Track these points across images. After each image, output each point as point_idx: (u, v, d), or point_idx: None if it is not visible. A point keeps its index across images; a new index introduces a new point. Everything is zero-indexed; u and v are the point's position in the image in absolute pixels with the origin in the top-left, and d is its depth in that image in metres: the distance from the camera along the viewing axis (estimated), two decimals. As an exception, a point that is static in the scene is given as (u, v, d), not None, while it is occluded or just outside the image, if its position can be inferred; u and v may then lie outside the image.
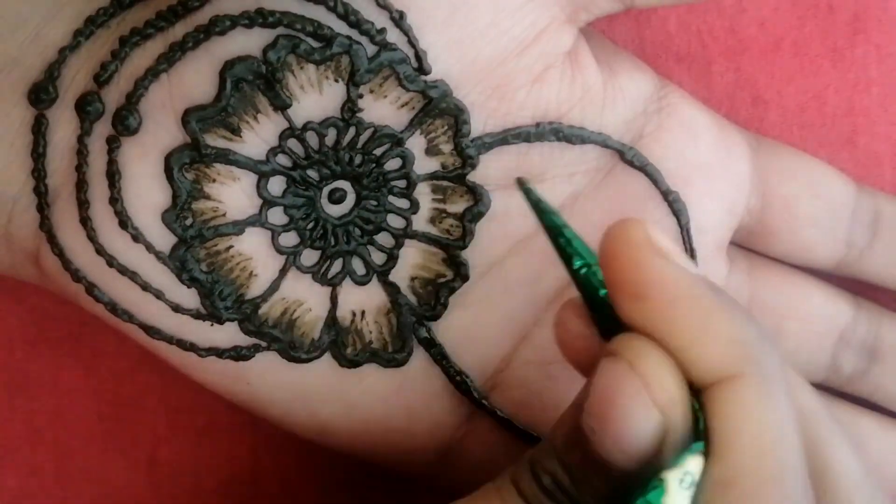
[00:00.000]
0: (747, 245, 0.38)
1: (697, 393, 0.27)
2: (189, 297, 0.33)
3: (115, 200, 0.31)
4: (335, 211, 0.33)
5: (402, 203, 0.33)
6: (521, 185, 0.31)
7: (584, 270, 0.29)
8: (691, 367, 0.27)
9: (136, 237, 0.32)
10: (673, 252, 0.27)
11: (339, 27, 0.31)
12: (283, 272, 0.33)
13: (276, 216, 0.32)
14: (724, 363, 0.26)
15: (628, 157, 0.35)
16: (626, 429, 0.26)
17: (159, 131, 0.31)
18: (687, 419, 0.27)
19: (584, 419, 0.27)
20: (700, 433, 0.27)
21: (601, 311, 0.29)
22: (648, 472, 0.26)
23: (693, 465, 0.26)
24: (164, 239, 0.32)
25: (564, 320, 0.30)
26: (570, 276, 0.30)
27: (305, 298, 0.33)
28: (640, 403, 0.26)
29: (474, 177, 0.33)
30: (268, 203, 0.32)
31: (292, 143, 0.31)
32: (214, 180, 0.32)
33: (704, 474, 0.26)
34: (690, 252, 0.36)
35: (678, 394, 0.26)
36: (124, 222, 0.32)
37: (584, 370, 0.30)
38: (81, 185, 0.32)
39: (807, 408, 0.30)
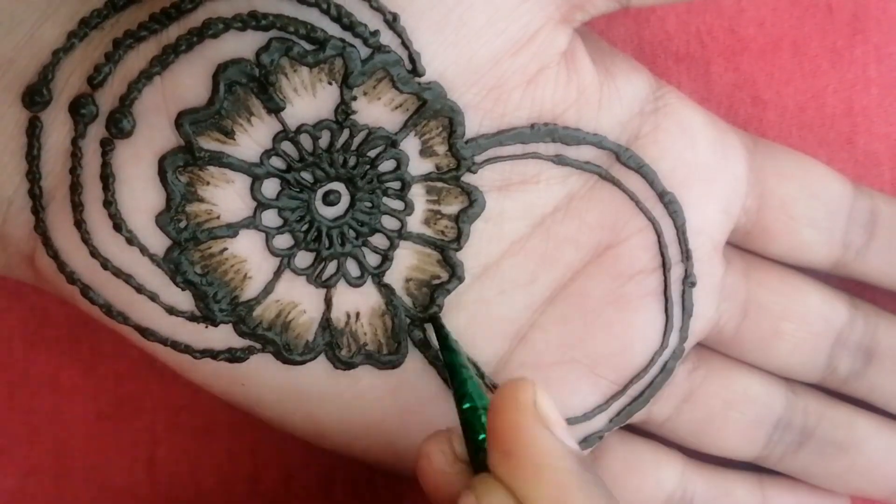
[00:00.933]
0: (744, 245, 0.38)
1: None
2: (183, 300, 0.33)
3: (110, 203, 0.31)
4: (329, 213, 0.33)
5: (397, 204, 0.33)
6: (435, 320, 0.34)
7: (470, 412, 0.31)
8: None
9: (131, 240, 0.32)
10: (555, 423, 0.28)
11: (333, 30, 0.31)
12: (277, 274, 0.33)
13: (271, 218, 0.32)
14: None
15: (624, 159, 0.35)
16: None
17: (153, 134, 0.31)
18: None
19: None
20: None
21: (478, 454, 0.30)
22: None
23: None
24: (158, 241, 0.32)
25: (429, 452, 0.31)
26: (457, 413, 0.31)
27: (300, 300, 0.33)
28: None
29: (468, 178, 0.33)
30: (262, 205, 0.32)
31: (286, 146, 0.31)
32: (208, 183, 0.32)
33: None
34: (686, 253, 0.35)
35: None
36: (118, 225, 0.32)
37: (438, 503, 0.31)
38: (76, 188, 0.32)
39: None
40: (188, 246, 0.32)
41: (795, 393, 0.38)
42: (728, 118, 0.39)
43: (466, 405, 0.31)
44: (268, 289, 0.33)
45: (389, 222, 0.33)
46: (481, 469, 0.29)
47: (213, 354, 0.33)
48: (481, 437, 0.30)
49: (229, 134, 0.31)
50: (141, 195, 0.32)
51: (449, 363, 0.33)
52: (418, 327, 0.34)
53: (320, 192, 0.32)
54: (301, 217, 0.32)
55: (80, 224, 0.32)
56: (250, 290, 0.33)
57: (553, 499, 0.27)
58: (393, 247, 0.33)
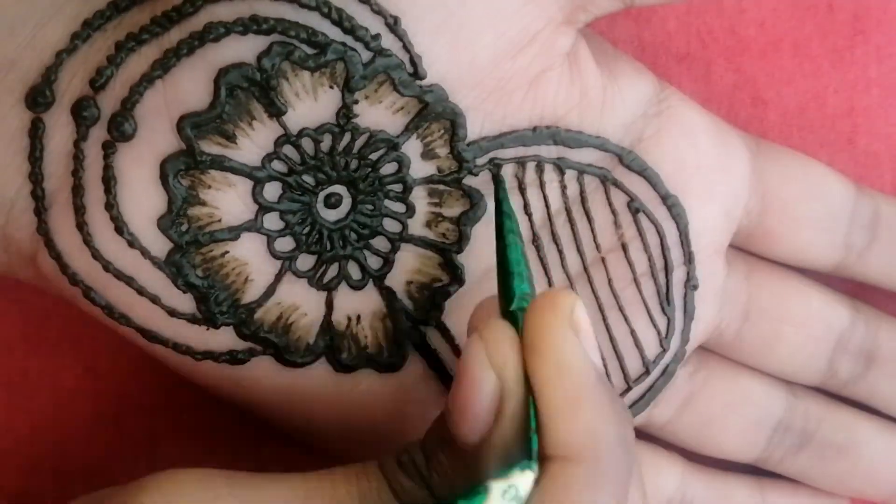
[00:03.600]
0: (746, 247, 0.38)
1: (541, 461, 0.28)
2: (185, 302, 0.33)
3: (111, 206, 0.31)
4: (331, 216, 0.33)
5: (398, 207, 0.33)
6: (497, 178, 0.33)
7: (513, 277, 0.31)
8: (543, 432, 0.28)
9: (132, 243, 0.32)
10: (587, 335, 0.29)
11: (334, 34, 0.31)
12: (278, 277, 0.33)
13: (272, 221, 0.32)
14: (568, 443, 0.27)
15: (627, 161, 0.35)
16: (465, 390, 0.28)
17: (155, 137, 0.31)
18: (520, 398, 0.28)
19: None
20: (533, 454, 0.27)
21: (510, 319, 0.30)
22: (485, 458, 0.28)
23: (519, 480, 0.27)
24: (159, 244, 0.32)
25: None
26: (498, 273, 0.31)
27: (301, 303, 0.33)
28: (479, 365, 0.28)
29: (470, 180, 0.33)
30: (263, 208, 0.32)
31: (288, 149, 0.31)
32: (210, 186, 0.32)
33: None
34: (688, 256, 0.36)
35: (515, 361, 0.28)
36: (120, 228, 0.32)
37: None
38: (77, 190, 0.32)
39: None
40: (190, 249, 0.32)
41: (796, 396, 0.38)
42: (729, 119, 0.39)
43: (517, 289, 0.31)
44: (269, 291, 0.33)
45: (391, 225, 0.33)
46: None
47: (214, 356, 0.33)
48: (513, 306, 0.30)
49: (231, 138, 0.31)
50: (142, 198, 0.32)
51: (499, 224, 0.32)
52: (419, 330, 0.34)
53: (322, 195, 0.32)
54: (302, 220, 0.32)
55: (81, 226, 0.32)
56: (251, 293, 0.33)
57: (565, 404, 0.28)
58: (394, 249, 0.33)
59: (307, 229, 0.33)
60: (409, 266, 0.34)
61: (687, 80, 0.40)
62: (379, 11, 0.31)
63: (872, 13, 0.40)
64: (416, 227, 0.33)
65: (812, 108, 0.40)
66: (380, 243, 0.33)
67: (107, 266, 0.32)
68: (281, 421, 0.35)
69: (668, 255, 0.35)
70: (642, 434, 0.38)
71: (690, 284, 0.36)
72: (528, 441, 0.28)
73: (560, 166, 0.34)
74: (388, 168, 0.32)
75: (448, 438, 0.29)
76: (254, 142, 0.31)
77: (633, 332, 0.35)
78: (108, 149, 0.31)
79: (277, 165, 0.32)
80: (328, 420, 0.35)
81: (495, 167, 0.33)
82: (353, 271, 0.33)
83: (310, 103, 0.31)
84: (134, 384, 0.40)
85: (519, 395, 0.28)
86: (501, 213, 0.32)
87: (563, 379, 0.28)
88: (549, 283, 0.35)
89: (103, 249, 0.32)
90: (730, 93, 0.40)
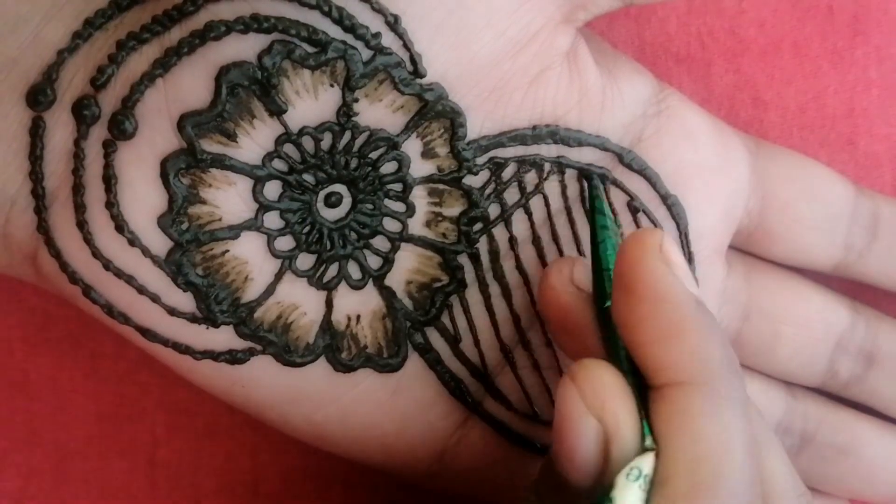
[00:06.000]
0: (746, 248, 0.38)
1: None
2: (185, 301, 0.33)
3: (112, 205, 0.31)
4: (331, 215, 0.33)
5: (398, 206, 0.33)
6: (590, 179, 0.34)
7: (606, 273, 0.31)
8: (651, 364, 0.28)
9: (133, 241, 0.32)
10: (679, 266, 0.29)
11: (334, 32, 0.31)
12: (278, 276, 0.33)
13: (272, 220, 0.32)
14: (678, 368, 0.28)
15: (627, 161, 0.35)
16: (568, 438, 0.28)
17: (155, 136, 0.31)
18: (632, 428, 0.28)
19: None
20: (647, 438, 0.28)
21: (604, 321, 0.30)
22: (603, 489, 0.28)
23: (641, 461, 0.27)
24: (160, 243, 0.32)
25: (547, 271, 0.32)
26: (593, 275, 0.32)
27: (301, 302, 0.33)
28: (576, 411, 0.28)
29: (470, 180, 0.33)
30: (264, 207, 0.32)
31: (288, 148, 0.31)
32: (210, 185, 0.32)
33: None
34: (688, 256, 0.35)
35: (614, 400, 0.28)
36: (120, 226, 0.32)
37: (558, 324, 0.32)
38: (78, 189, 0.32)
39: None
40: (190, 247, 0.32)
41: (796, 397, 0.38)
42: (729, 119, 0.39)
43: (600, 265, 0.31)
44: (269, 290, 0.33)
45: (391, 224, 0.33)
46: (605, 341, 0.30)
47: (213, 356, 0.33)
48: (607, 304, 0.30)
49: (231, 136, 0.31)
50: (143, 197, 0.32)
51: (592, 223, 0.33)
52: (418, 331, 0.34)
53: (322, 194, 0.32)
54: (303, 219, 0.32)
55: (82, 225, 0.32)
56: (251, 292, 0.33)
57: (669, 332, 0.28)
58: (394, 249, 0.33)
59: (307, 228, 0.33)
60: (408, 266, 0.34)
61: (687, 81, 0.40)
62: (379, 10, 0.31)
63: (872, 14, 0.40)
64: (416, 226, 0.33)
65: (812, 108, 0.40)
66: (380, 243, 0.33)
67: (107, 265, 0.32)
68: (280, 420, 0.35)
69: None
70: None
71: (690, 285, 0.36)
72: (641, 426, 0.28)
73: (560, 165, 0.34)
74: (388, 167, 0.32)
75: (561, 483, 0.29)
76: (254, 140, 0.31)
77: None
78: (109, 147, 0.31)
79: (278, 164, 0.32)
80: (327, 419, 0.35)
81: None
82: (353, 271, 0.33)
83: (310, 102, 0.31)
84: (134, 385, 0.40)
85: (623, 434, 0.28)
86: (595, 211, 0.33)
87: (663, 309, 0.28)
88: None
89: (103, 248, 0.32)
90: (730, 93, 0.40)
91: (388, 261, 0.33)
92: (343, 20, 0.31)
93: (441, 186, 0.33)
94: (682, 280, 0.29)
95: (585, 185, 0.34)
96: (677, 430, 0.27)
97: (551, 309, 0.32)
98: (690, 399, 0.27)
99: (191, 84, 0.31)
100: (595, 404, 0.28)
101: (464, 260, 0.34)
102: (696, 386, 0.27)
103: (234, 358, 0.33)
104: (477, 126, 0.33)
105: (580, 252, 0.35)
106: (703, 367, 0.28)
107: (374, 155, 0.32)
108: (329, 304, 0.33)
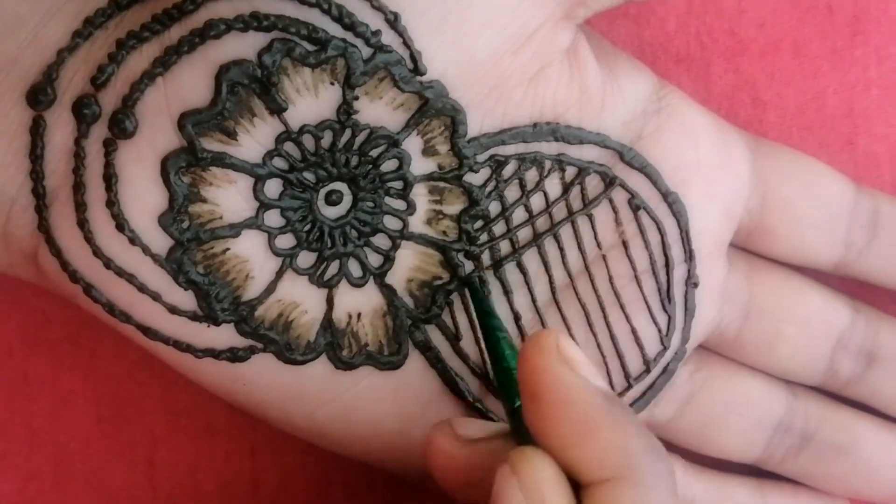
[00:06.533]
0: (746, 246, 0.38)
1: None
2: (186, 299, 0.33)
3: (112, 203, 0.31)
4: (332, 213, 0.33)
5: (399, 204, 0.33)
6: (471, 283, 0.34)
7: (505, 373, 0.31)
8: (574, 466, 0.28)
9: (133, 240, 0.32)
10: (580, 364, 0.29)
11: (334, 30, 0.31)
12: (279, 274, 0.33)
13: (273, 218, 0.32)
14: (601, 465, 0.28)
15: (627, 158, 0.35)
16: None
17: (155, 135, 0.31)
18: None
19: None
20: None
21: (516, 423, 0.30)
22: None
23: None
24: (160, 241, 0.32)
25: (431, 436, 0.32)
26: (494, 377, 0.32)
27: (302, 300, 0.33)
28: (515, 502, 0.28)
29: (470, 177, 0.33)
30: (264, 205, 0.32)
31: (289, 146, 0.31)
32: (211, 183, 0.32)
33: None
34: (689, 254, 0.36)
35: (552, 494, 0.28)
36: (121, 225, 0.32)
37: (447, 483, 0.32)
38: (79, 188, 0.32)
39: None
40: (191, 246, 0.32)
41: (796, 396, 0.38)
42: (728, 119, 0.39)
43: (506, 364, 0.31)
44: (270, 289, 0.33)
45: (391, 222, 0.33)
46: (522, 442, 0.30)
47: (214, 354, 0.33)
48: (517, 404, 0.30)
49: (232, 135, 0.31)
50: (144, 195, 0.32)
51: (483, 325, 0.33)
52: (419, 328, 0.34)
53: (323, 192, 0.32)
54: (303, 217, 0.32)
55: (82, 223, 0.32)
56: (252, 290, 0.33)
57: (584, 431, 0.28)
58: (395, 247, 0.33)
59: (308, 226, 0.33)
60: (409, 263, 0.34)
61: (687, 81, 0.40)
62: (379, 7, 0.31)
63: (872, 14, 0.40)
64: (417, 224, 0.33)
65: (812, 108, 0.40)
66: (380, 241, 0.33)
67: (108, 263, 0.32)
68: (281, 418, 0.35)
69: (669, 252, 0.35)
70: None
71: (691, 282, 0.36)
72: None
73: (560, 163, 0.34)
74: (389, 165, 0.32)
75: None
76: (255, 139, 0.31)
77: (633, 330, 0.35)
78: (109, 146, 0.31)
79: (278, 162, 0.32)
80: (328, 418, 0.35)
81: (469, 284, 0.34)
82: (354, 269, 0.33)
83: (310, 100, 0.31)
84: (134, 385, 0.40)
85: None
86: (484, 315, 0.33)
87: (572, 410, 0.28)
88: (551, 282, 0.35)
89: (104, 247, 0.32)
90: (730, 93, 0.40)
91: (388, 258, 0.33)
92: (343, 18, 0.31)
93: (442, 184, 0.33)
94: (585, 377, 0.28)
95: (468, 292, 0.34)
96: None
97: (449, 473, 0.32)
98: (617, 493, 0.27)
99: (191, 82, 0.31)
100: (535, 498, 0.28)
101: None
102: (621, 480, 0.27)
103: (235, 356, 0.33)
104: (477, 123, 0.33)
105: (580, 249, 0.35)
106: (624, 460, 0.28)
107: (374, 153, 0.32)
108: (330, 302, 0.33)
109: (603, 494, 0.27)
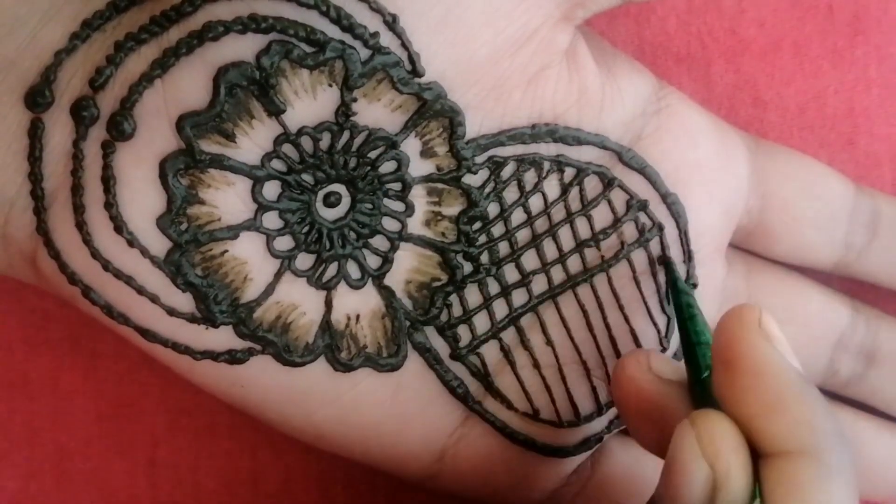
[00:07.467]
0: (746, 246, 0.38)
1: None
2: (184, 301, 0.33)
3: (110, 205, 0.31)
4: (330, 215, 0.33)
5: (397, 206, 0.33)
6: (668, 264, 0.35)
7: (696, 348, 0.32)
8: (758, 435, 0.28)
9: (132, 242, 0.32)
10: (779, 340, 0.29)
11: (332, 32, 0.31)
12: (277, 276, 0.33)
13: (271, 220, 0.32)
14: (787, 438, 0.28)
15: (626, 159, 0.35)
16: (677, 479, 0.28)
17: (154, 137, 0.31)
18: (742, 482, 0.28)
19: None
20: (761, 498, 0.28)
21: (701, 391, 0.31)
22: None
23: None
24: (159, 243, 0.32)
25: (624, 362, 0.33)
26: (683, 352, 0.33)
27: (300, 302, 0.33)
28: (691, 455, 0.28)
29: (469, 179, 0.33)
30: (263, 207, 0.32)
31: (287, 148, 0.31)
32: (209, 185, 0.32)
33: None
34: (688, 255, 0.35)
35: (729, 451, 0.28)
36: (119, 227, 0.32)
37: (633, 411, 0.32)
38: (77, 190, 0.32)
39: None
40: (189, 248, 0.32)
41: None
42: (729, 119, 0.39)
43: (697, 338, 0.32)
44: (268, 290, 0.33)
45: (390, 224, 0.33)
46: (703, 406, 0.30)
47: (213, 356, 0.33)
48: (705, 374, 0.31)
49: (230, 137, 0.31)
50: (142, 197, 0.32)
51: (677, 303, 0.34)
52: (418, 330, 0.34)
53: (321, 194, 0.32)
54: (302, 219, 0.32)
55: (81, 225, 0.32)
56: (251, 292, 0.33)
57: (773, 403, 0.28)
58: (393, 248, 0.33)
59: (306, 228, 0.33)
60: (408, 265, 0.34)
61: (687, 81, 0.40)
62: (377, 9, 0.31)
63: (872, 13, 0.40)
64: (416, 226, 0.33)
65: (812, 108, 0.40)
66: (379, 242, 0.33)
67: (106, 265, 0.32)
68: (280, 420, 0.35)
69: (668, 253, 0.35)
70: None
71: (690, 283, 0.36)
72: (752, 483, 0.28)
73: (559, 164, 0.34)
74: (387, 166, 0.32)
75: None
76: (253, 141, 0.31)
77: (632, 331, 0.35)
78: (108, 148, 0.31)
79: (276, 164, 0.32)
80: (327, 419, 0.35)
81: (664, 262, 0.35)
82: (353, 270, 0.33)
83: (309, 101, 0.31)
84: (134, 385, 0.40)
85: (731, 486, 0.28)
86: (677, 291, 0.34)
87: (765, 383, 0.28)
88: (549, 282, 0.35)
89: (102, 249, 0.32)
90: (730, 93, 0.40)
91: (387, 260, 0.33)
92: (341, 19, 0.31)
93: (440, 185, 0.33)
94: (783, 354, 0.29)
95: (664, 271, 0.35)
96: (784, 497, 0.27)
97: (631, 399, 0.32)
98: (798, 468, 0.27)
99: (189, 85, 0.31)
100: (709, 451, 0.28)
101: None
102: (804, 456, 0.28)
103: (233, 358, 0.33)
104: (476, 125, 0.33)
105: (580, 247, 0.35)
106: (811, 437, 0.28)
107: (372, 154, 0.32)
108: (328, 304, 0.33)
109: (783, 465, 0.28)
